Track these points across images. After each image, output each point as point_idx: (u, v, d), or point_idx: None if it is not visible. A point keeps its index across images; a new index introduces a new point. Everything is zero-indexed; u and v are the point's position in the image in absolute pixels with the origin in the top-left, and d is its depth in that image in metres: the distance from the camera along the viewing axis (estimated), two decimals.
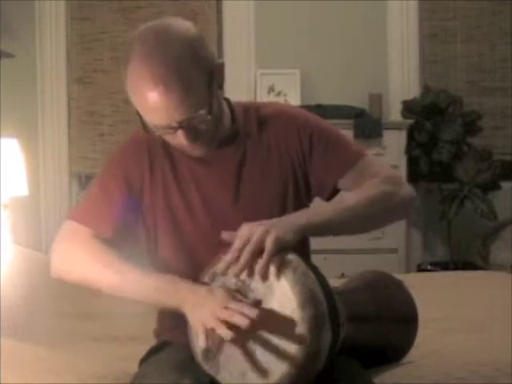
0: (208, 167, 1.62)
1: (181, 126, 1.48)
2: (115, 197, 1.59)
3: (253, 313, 1.34)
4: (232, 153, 1.62)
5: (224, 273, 1.40)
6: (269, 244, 1.36)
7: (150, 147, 1.63)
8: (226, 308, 1.37)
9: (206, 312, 1.40)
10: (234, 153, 1.62)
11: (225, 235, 1.42)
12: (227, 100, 1.66)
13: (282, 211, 1.58)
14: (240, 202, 1.60)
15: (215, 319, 1.37)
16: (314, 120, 1.68)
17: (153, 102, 1.44)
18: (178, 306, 1.46)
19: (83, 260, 1.55)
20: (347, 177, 1.61)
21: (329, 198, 1.64)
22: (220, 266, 1.40)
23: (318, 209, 1.51)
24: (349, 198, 1.55)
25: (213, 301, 1.40)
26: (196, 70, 1.46)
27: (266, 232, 1.37)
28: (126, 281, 1.51)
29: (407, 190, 1.61)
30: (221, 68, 1.55)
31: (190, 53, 1.46)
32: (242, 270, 1.37)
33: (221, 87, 1.56)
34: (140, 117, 1.52)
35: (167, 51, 1.44)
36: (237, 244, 1.37)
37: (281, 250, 1.37)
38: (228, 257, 1.38)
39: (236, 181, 1.61)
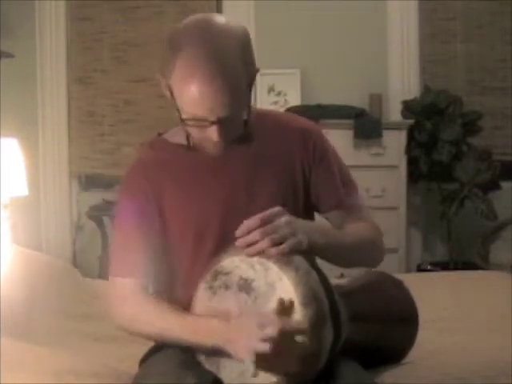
0: (216, 168, 1.62)
1: (219, 121, 1.48)
2: (140, 234, 1.60)
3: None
4: (242, 157, 1.63)
5: (241, 248, 1.41)
6: (290, 244, 1.39)
7: (145, 170, 1.64)
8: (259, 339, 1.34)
9: (242, 345, 1.37)
10: (244, 157, 1.63)
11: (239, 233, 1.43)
12: None
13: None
14: (246, 206, 1.59)
15: (252, 352, 1.34)
16: (329, 147, 1.72)
17: (199, 95, 1.44)
18: (216, 345, 1.44)
19: (138, 323, 1.59)
20: (337, 211, 1.68)
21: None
22: (240, 242, 1.41)
23: (326, 231, 1.57)
24: (349, 231, 1.62)
25: (245, 336, 1.37)
26: (245, 72, 1.49)
27: (293, 233, 1.41)
28: (168, 331, 1.53)
29: (383, 246, 1.72)
30: (257, 74, 1.58)
31: (243, 54, 1.49)
32: (257, 253, 1.39)
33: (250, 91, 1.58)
34: (175, 103, 1.51)
35: (221, 47, 1.46)
36: (266, 228, 1.39)
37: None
38: (253, 236, 1.39)
39: (245, 186, 1.62)
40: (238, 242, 1.41)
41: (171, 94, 1.51)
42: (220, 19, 1.52)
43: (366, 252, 1.66)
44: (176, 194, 1.62)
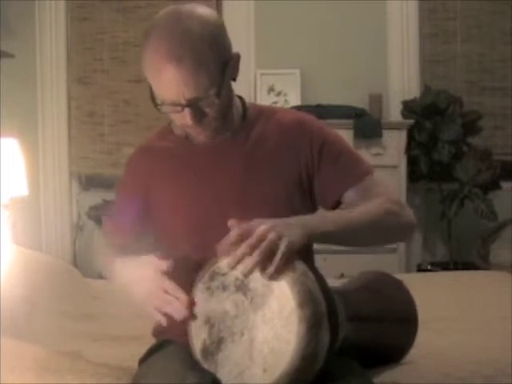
0: (214, 161, 1.64)
1: (188, 104, 1.50)
2: (129, 209, 1.70)
3: (181, 298, 1.43)
4: (238, 150, 1.64)
5: (233, 268, 1.39)
6: (282, 250, 1.35)
7: (150, 151, 1.70)
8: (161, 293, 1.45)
9: (143, 297, 1.49)
10: (240, 150, 1.64)
11: (232, 223, 1.41)
12: (241, 98, 1.70)
13: (286, 213, 1.59)
14: (244, 200, 1.61)
15: (150, 306, 1.47)
16: (328, 131, 1.70)
17: (165, 75, 1.47)
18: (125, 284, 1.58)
19: (106, 268, 1.74)
20: (351, 192, 1.63)
21: (331, 209, 1.66)
22: (230, 260, 1.38)
23: (327, 217, 1.51)
24: (356, 210, 1.55)
25: (148, 281, 1.47)
26: (211, 52, 1.49)
27: (280, 237, 1.36)
28: (117, 276, 1.65)
29: (409, 214, 1.63)
30: (236, 60, 1.58)
31: (208, 35, 1.49)
32: (251, 271, 1.36)
33: (234, 79, 1.59)
34: (151, 93, 1.54)
35: (186, 29, 1.48)
36: (250, 240, 1.36)
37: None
38: (239, 252, 1.36)
39: (239, 179, 1.62)
40: (229, 261, 1.38)
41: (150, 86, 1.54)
42: (190, 6, 1.54)
43: (383, 227, 1.57)
44: (170, 181, 1.66)
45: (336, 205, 1.66)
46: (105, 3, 4.27)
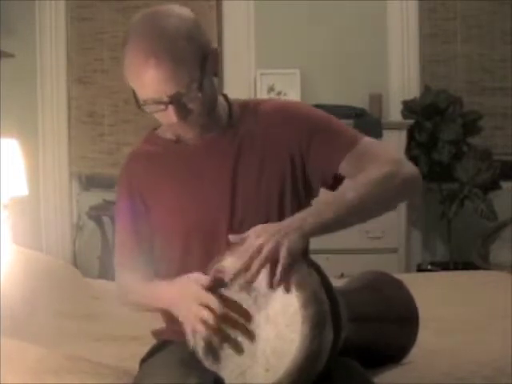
0: (203, 161, 1.63)
1: (171, 101, 1.50)
2: (130, 231, 1.69)
3: (217, 306, 1.41)
4: (227, 147, 1.63)
5: (235, 280, 1.41)
6: (283, 257, 1.36)
7: (141, 158, 1.70)
8: (201, 304, 1.43)
9: (184, 311, 1.47)
10: (230, 147, 1.63)
11: (233, 238, 1.43)
12: (225, 96, 1.69)
13: (280, 208, 1.59)
14: (236, 199, 1.60)
15: (194, 318, 1.43)
16: (311, 112, 1.68)
17: (145, 74, 1.48)
18: (166, 308, 1.56)
19: (129, 296, 1.73)
20: (346, 162, 1.58)
21: (333, 186, 1.62)
22: (232, 274, 1.41)
23: (325, 205, 1.47)
24: (349, 189, 1.52)
25: (184, 306, 1.46)
26: (189, 47, 1.50)
27: (279, 244, 1.37)
28: (143, 298, 1.66)
29: (409, 169, 1.57)
30: (215, 53, 1.58)
31: (184, 31, 1.51)
32: (253, 279, 1.38)
33: (215, 74, 1.59)
34: (134, 96, 1.54)
35: (162, 28, 1.50)
36: (249, 253, 1.38)
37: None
38: (240, 266, 1.39)
39: (232, 176, 1.61)
40: (232, 270, 1.41)
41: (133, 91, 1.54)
42: (164, 7, 1.56)
43: (385, 193, 1.52)
44: (163, 186, 1.65)
45: (335, 182, 1.62)
46: (105, 3, 4.27)
